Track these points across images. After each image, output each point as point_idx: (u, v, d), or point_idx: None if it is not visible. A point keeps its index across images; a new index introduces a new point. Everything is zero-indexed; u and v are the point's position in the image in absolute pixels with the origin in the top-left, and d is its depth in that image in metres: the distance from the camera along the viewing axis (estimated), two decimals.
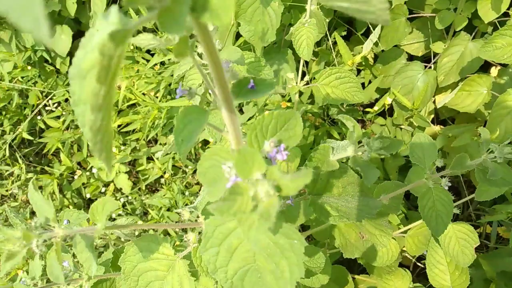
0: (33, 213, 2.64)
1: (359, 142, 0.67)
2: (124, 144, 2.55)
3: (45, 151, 2.62)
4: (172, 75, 2.37)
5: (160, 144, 2.57)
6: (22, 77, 2.61)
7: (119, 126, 2.49)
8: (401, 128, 1.86)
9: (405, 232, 1.37)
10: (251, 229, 0.38)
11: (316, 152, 0.63)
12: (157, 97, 2.38)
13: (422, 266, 1.76)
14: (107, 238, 1.95)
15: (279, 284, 0.49)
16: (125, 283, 0.76)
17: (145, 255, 0.73)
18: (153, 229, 2.19)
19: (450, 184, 0.86)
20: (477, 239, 1.18)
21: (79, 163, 2.65)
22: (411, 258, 1.76)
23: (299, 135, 0.47)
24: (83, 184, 2.58)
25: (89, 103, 0.30)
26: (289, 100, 1.93)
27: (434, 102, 1.93)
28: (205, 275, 0.65)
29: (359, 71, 2.08)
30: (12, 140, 2.61)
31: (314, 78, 1.30)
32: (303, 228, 1.38)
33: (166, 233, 2.32)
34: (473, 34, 1.75)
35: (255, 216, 0.38)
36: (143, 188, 2.58)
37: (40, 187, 2.61)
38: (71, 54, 2.53)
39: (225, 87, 0.44)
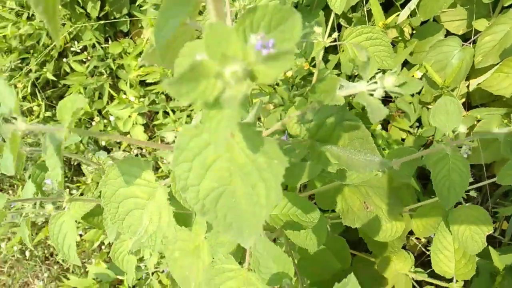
0: None
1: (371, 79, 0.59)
2: (144, 96, 2.52)
3: (67, 94, 2.63)
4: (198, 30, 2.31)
5: (173, 130, 2.53)
6: None
7: (141, 77, 2.47)
8: (428, 108, 1.75)
9: (414, 210, 1.29)
10: (219, 127, 0.32)
11: (321, 83, 0.56)
12: None
13: (428, 253, 1.69)
14: None
15: (255, 210, 0.44)
16: (105, 210, 0.73)
17: (127, 179, 0.68)
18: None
19: (470, 153, 0.78)
20: (491, 226, 1.09)
21: (99, 111, 2.65)
22: (417, 243, 1.68)
23: (296, 38, 0.40)
24: (100, 131, 2.58)
25: None
26: (314, 65, 1.85)
27: (467, 86, 1.81)
28: (183, 202, 0.61)
29: (393, 45, 1.97)
30: (36, 80, 2.62)
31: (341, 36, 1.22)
32: (304, 187, 1.33)
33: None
34: None
35: (226, 112, 0.32)
36: (159, 142, 2.56)
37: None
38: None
39: None
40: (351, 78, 1.92)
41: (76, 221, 1.20)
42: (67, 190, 0.86)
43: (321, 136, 0.69)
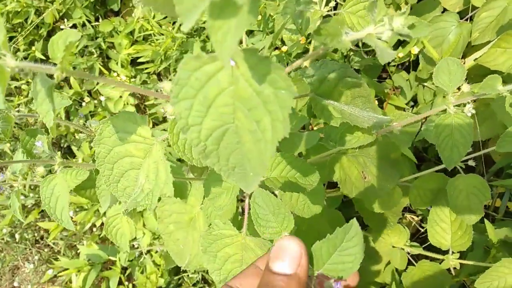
0: None
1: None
2: (135, 77, 2.48)
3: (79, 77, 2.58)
4: None
5: (171, 80, 2.50)
6: None
7: (132, 58, 2.42)
8: (423, 86, 1.74)
9: (411, 182, 1.28)
10: (227, 38, 0.30)
11: (327, 24, 0.53)
12: (173, 29, 2.28)
13: (423, 231, 1.69)
14: None
15: (259, 147, 0.41)
16: (100, 172, 0.70)
17: (121, 136, 0.65)
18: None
19: (473, 111, 0.76)
20: (489, 195, 1.09)
21: (89, 92, 2.60)
22: (411, 220, 1.69)
23: None
24: (90, 112, 2.54)
25: None
26: (310, 42, 1.82)
27: (463, 64, 1.80)
28: (181, 155, 0.58)
29: None
30: (25, 59, 2.56)
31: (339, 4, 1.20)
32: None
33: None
34: None
35: (233, 21, 0.29)
36: (150, 123, 2.52)
37: None
38: None
39: None
40: (346, 57, 1.90)
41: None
42: (59, 153, 0.83)
43: (323, 91, 0.67)
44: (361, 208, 1.38)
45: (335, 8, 1.21)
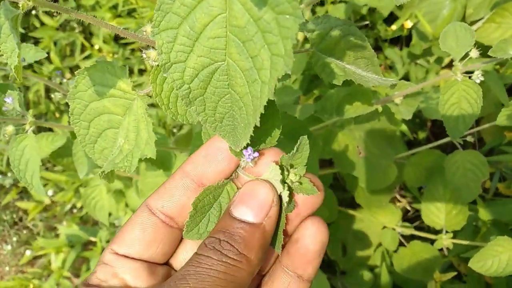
0: None
1: None
2: (117, 53, 2.37)
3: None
4: None
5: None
6: None
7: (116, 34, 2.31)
8: (416, 63, 1.68)
9: (406, 159, 1.23)
10: None
11: None
12: None
13: (413, 212, 1.65)
14: None
15: (253, 92, 0.34)
16: (75, 131, 0.61)
17: (99, 90, 0.57)
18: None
19: (482, 79, 0.70)
20: (487, 172, 1.04)
21: (70, 68, 2.49)
22: (401, 200, 1.64)
23: None
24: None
25: None
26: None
27: None
28: (165, 108, 0.50)
29: None
30: None
31: None
32: None
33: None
34: None
35: None
36: (152, 74, 2.42)
37: (27, 87, 2.46)
38: None
39: None
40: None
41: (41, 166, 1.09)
42: (31, 111, 0.74)
43: (324, 47, 0.60)
44: (352, 186, 1.32)
45: None
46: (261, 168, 0.46)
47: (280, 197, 0.45)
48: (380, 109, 0.81)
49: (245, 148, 0.42)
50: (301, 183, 0.45)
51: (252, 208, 0.44)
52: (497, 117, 0.92)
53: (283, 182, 0.45)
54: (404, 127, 1.15)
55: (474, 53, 0.71)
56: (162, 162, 0.97)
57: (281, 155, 0.46)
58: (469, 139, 1.03)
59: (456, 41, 0.72)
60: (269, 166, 0.45)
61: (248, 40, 0.33)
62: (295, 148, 0.44)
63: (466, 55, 0.75)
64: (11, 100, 0.68)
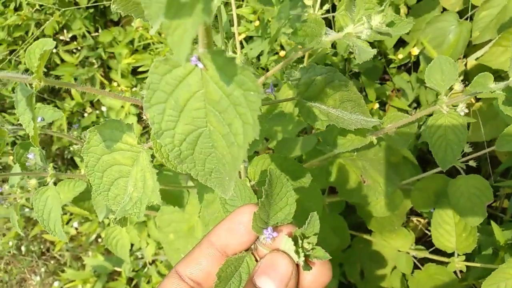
0: None
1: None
2: (136, 86, 2.50)
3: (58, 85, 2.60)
4: None
5: None
6: (40, 6, 2.57)
7: (133, 67, 2.44)
8: (425, 87, 1.73)
9: (412, 185, 1.27)
10: (183, 38, 0.30)
11: (304, 25, 0.53)
12: None
13: (429, 234, 1.67)
14: None
15: (232, 152, 0.41)
16: (90, 181, 0.70)
17: (108, 144, 0.66)
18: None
19: (466, 111, 0.75)
20: (491, 196, 1.07)
21: (91, 102, 2.62)
22: (417, 224, 1.67)
23: None
24: (92, 122, 2.55)
25: None
26: None
27: (465, 65, 1.79)
28: (165, 161, 0.58)
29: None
30: (26, 71, 2.59)
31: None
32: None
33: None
34: None
35: (189, 22, 0.29)
36: (152, 134, 2.53)
37: (51, 123, 2.61)
38: None
39: None
40: (347, 60, 1.90)
41: (64, 209, 1.18)
42: (51, 165, 0.83)
43: (310, 94, 0.66)
44: (363, 213, 1.37)
45: (328, 11, 1.21)
46: (277, 240, 0.53)
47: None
48: (375, 141, 0.87)
49: (266, 228, 0.51)
50: (314, 249, 0.51)
51: (274, 279, 0.49)
52: (496, 142, 0.96)
53: (297, 252, 0.51)
54: (407, 153, 1.20)
55: (458, 86, 0.76)
56: (175, 199, 1.05)
57: (294, 229, 0.53)
58: (471, 163, 1.07)
59: (441, 75, 0.77)
60: (284, 237, 0.52)
61: (223, 111, 0.40)
62: (306, 223, 0.51)
63: (452, 87, 0.80)
64: (33, 156, 0.77)
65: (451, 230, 1.21)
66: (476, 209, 1.07)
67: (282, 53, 1.72)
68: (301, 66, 0.69)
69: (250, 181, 0.75)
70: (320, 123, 0.63)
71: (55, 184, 0.81)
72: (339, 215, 1.34)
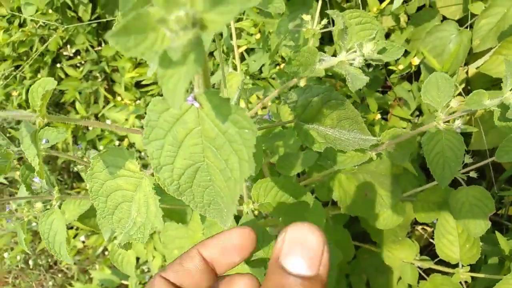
0: None
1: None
2: (140, 99, 2.53)
3: (62, 100, 2.64)
4: None
5: None
6: (44, 22, 2.61)
7: (136, 79, 2.47)
8: None
9: (414, 196, 1.28)
10: (177, 86, 0.31)
11: (298, 54, 0.55)
12: None
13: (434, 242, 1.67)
14: None
15: (229, 186, 0.43)
16: (94, 205, 0.72)
17: (111, 171, 0.68)
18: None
19: (463, 127, 0.77)
20: (493, 206, 1.08)
21: (95, 115, 2.66)
22: (423, 233, 1.67)
23: None
24: (97, 136, 2.58)
25: None
26: None
27: (466, 72, 1.80)
28: (167, 190, 0.60)
29: (389, 35, 1.96)
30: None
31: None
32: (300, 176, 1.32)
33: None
34: None
35: (183, 69, 0.31)
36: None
37: None
38: (92, 1, 2.50)
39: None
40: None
41: (71, 223, 1.20)
42: (57, 188, 0.86)
43: (307, 116, 0.68)
44: (367, 225, 1.38)
45: (326, 26, 1.23)
46: None
47: None
48: (374, 157, 0.88)
49: None
50: None
51: (304, 257, 0.40)
52: (496, 153, 0.97)
53: None
54: (407, 164, 1.21)
55: (454, 103, 0.77)
56: (179, 216, 1.07)
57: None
58: (472, 174, 1.08)
59: (437, 91, 0.78)
60: None
61: (220, 147, 0.42)
62: None
63: (448, 104, 0.81)
64: (39, 180, 0.80)
65: (454, 240, 1.22)
66: (479, 220, 1.08)
67: (283, 65, 1.74)
68: (298, 86, 0.71)
69: (253, 202, 0.76)
70: (318, 146, 0.64)
71: (60, 204, 0.84)
72: (343, 227, 1.35)
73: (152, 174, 0.66)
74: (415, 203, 1.26)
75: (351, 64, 0.52)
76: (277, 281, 0.40)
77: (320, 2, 1.25)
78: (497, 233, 1.29)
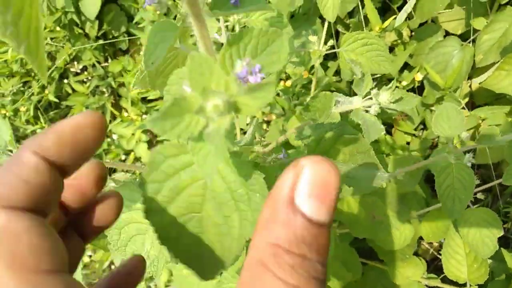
0: None
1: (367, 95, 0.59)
2: (146, 113, 2.53)
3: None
4: (195, 44, 2.32)
5: None
6: (52, 39, 2.63)
7: (142, 94, 2.48)
8: (431, 110, 1.74)
9: (422, 216, 1.27)
10: (207, 160, 0.32)
11: (315, 100, 0.55)
12: None
13: (441, 257, 1.66)
14: None
15: (222, 241, 0.41)
16: (108, 236, 0.73)
17: (127, 204, 0.68)
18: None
19: (473, 161, 0.76)
20: (501, 227, 1.07)
21: None
22: (429, 248, 1.66)
23: (283, 59, 0.39)
24: (104, 150, 2.59)
25: None
26: (313, 73, 1.85)
27: (470, 86, 1.80)
28: (155, 235, 0.60)
29: (392, 49, 1.96)
30: (39, 102, 2.64)
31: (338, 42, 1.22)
32: None
33: None
34: None
35: (212, 146, 0.31)
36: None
37: None
38: (99, 18, 2.52)
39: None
40: (352, 83, 1.92)
41: None
42: None
43: (320, 151, 0.68)
44: (374, 244, 1.37)
45: (333, 47, 1.23)
46: None
47: None
48: (384, 185, 0.88)
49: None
50: None
51: (324, 202, 0.33)
52: (503, 177, 0.97)
53: None
54: (416, 187, 1.21)
55: (465, 136, 0.77)
56: None
57: None
58: (480, 196, 1.07)
59: (448, 123, 0.78)
60: None
61: (223, 203, 0.41)
62: None
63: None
64: None
65: (462, 260, 1.21)
66: (487, 241, 1.07)
67: (288, 82, 1.74)
68: (312, 123, 0.70)
69: None
70: None
71: None
72: (350, 247, 1.35)
73: None
74: (423, 223, 1.26)
75: (366, 111, 0.52)
76: (288, 222, 0.33)
77: (326, 24, 1.26)
78: (503, 250, 1.29)
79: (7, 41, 0.27)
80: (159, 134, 0.29)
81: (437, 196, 0.77)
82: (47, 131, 0.35)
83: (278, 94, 1.88)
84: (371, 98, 0.51)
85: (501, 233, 1.07)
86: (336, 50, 1.25)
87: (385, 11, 1.96)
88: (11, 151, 0.45)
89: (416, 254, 1.52)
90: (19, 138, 2.78)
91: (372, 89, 0.54)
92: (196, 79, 0.31)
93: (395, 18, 1.68)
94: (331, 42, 1.26)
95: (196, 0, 0.37)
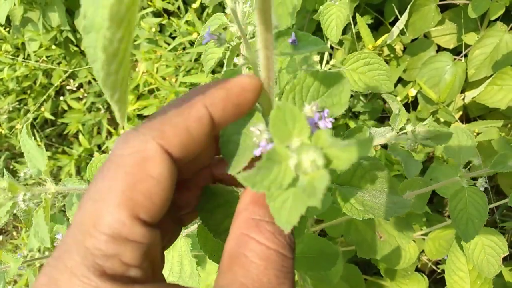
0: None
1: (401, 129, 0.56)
2: None
3: (66, 132, 2.59)
4: (191, 60, 2.28)
5: None
6: (47, 57, 2.57)
7: (138, 111, 2.42)
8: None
9: (425, 234, 1.24)
10: (284, 207, 0.29)
11: (349, 132, 0.52)
12: (175, 82, 2.29)
13: (440, 271, 1.63)
14: None
15: None
16: None
17: None
18: None
19: (486, 186, 0.73)
20: (506, 248, 1.04)
21: (98, 146, 2.60)
22: (427, 262, 1.63)
23: (345, 103, 0.37)
24: None
25: (107, 13, 0.21)
26: None
27: (463, 99, 1.78)
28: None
29: (386, 63, 1.94)
30: (35, 119, 2.57)
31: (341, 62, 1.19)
32: (316, 221, 1.27)
33: None
34: (511, 25, 1.58)
35: (291, 192, 0.29)
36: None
37: (59, 168, 2.57)
38: None
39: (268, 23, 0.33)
40: (352, 96, 1.89)
41: None
42: None
43: (343, 179, 0.64)
44: (377, 261, 1.33)
45: (335, 66, 1.20)
46: None
47: None
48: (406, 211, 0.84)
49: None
50: None
51: None
52: (509, 199, 0.93)
53: None
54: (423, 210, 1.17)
55: (477, 161, 0.74)
56: (198, 261, 1.03)
57: None
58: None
59: (459, 147, 0.75)
60: None
61: None
62: None
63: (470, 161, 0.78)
64: (61, 236, 0.74)
65: (465, 277, 1.17)
66: (492, 260, 1.04)
67: None
68: None
69: None
70: (357, 214, 0.60)
71: None
72: (353, 264, 1.31)
73: (188, 235, 0.62)
74: (426, 241, 1.22)
75: (402, 147, 0.49)
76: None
77: (328, 45, 1.22)
78: (502, 267, 1.25)
79: (104, 90, 0.25)
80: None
81: (451, 219, 0.74)
82: (217, 86, 0.34)
83: None
84: (405, 133, 0.48)
85: (506, 253, 1.04)
86: (342, 68, 1.22)
87: (377, 26, 1.95)
88: (45, 181, 0.41)
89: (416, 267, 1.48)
90: (15, 155, 2.71)
91: (397, 115, 0.50)
92: (280, 129, 0.30)
93: (388, 35, 1.66)
94: (333, 61, 1.23)
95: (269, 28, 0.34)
